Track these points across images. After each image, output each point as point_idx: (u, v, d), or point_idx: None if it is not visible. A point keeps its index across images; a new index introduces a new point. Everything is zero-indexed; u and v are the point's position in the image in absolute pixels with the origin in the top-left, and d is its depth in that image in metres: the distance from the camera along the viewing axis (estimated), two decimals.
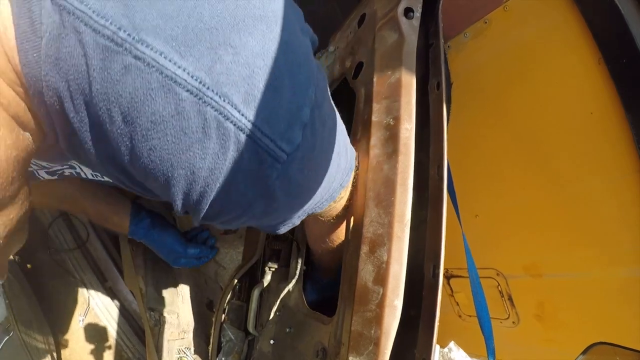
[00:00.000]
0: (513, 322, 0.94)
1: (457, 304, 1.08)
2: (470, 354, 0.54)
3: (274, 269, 0.85)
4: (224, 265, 1.11)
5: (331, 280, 0.75)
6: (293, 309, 0.73)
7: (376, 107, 0.55)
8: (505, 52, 0.83)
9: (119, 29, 0.29)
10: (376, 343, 0.46)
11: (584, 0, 0.68)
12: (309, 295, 0.74)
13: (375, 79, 0.56)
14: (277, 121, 0.36)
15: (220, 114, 0.33)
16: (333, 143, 0.45)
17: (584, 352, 0.78)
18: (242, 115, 0.33)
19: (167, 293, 1.20)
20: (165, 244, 0.93)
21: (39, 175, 0.51)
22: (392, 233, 0.48)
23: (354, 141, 0.59)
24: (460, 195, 0.74)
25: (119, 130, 0.32)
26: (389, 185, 0.50)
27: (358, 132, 0.59)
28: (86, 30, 0.29)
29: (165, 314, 1.15)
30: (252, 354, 0.88)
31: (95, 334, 1.19)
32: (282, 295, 0.76)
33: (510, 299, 0.94)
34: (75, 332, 1.17)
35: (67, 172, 0.51)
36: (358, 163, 0.56)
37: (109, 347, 1.20)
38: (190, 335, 1.16)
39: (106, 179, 0.49)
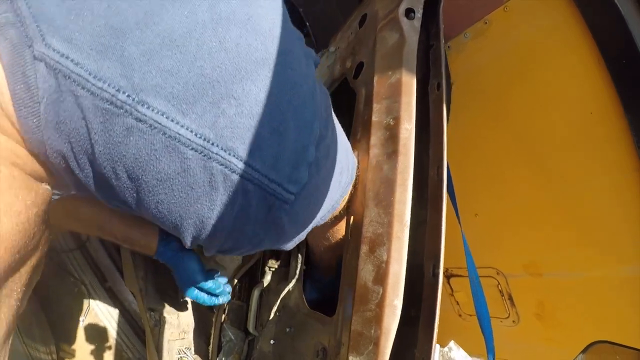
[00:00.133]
0: (513, 321, 0.94)
1: (457, 303, 1.08)
2: (470, 353, 0.54)
3: (274, 269, 0.85)
4: (224, 265, 1.11)
5: (331, 279, 0.75)
6: (293, 308, 0.73)
7: (376, 107, 0.55)
8: (506, 53, 0.83)
9: (118, 90, 0.28)
10: (376, 343, 0.46)
11: (584, 0, 0.68)
12: (309, 295, 0.74)
13: (375, 79, 0.56)
14: (283, 165, 0.36)
15: (227, 167, 0.32)
16: (334, 167, 0.45)
17: (584, 351, 0.78)
18: (249, 166, 0.33)
19: (167, 293, 1.20)
20: (187, 269, 0.91)
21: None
22: (392, 233, 0.48)
23: (353, 141, 0.59)
24: (460, 194, 0.74)
25: (125, 185, 0.32)
26: (389, 185, 0.50)
27: (358, 132, 0.59)
28: (84, 93, 0.28)
29: (165, 314, 1.15)
30: (252, 354, 0.88)
31: (96, 334, 1.19)
32: (282, 295, 0.76)
33: (510, 298, 0.94)
34: (76, 333, 1.17)
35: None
36: (358, 163, 0.56)
37: (109, 348, 1.20)
38: (191, 336, 1.16)
39: None
